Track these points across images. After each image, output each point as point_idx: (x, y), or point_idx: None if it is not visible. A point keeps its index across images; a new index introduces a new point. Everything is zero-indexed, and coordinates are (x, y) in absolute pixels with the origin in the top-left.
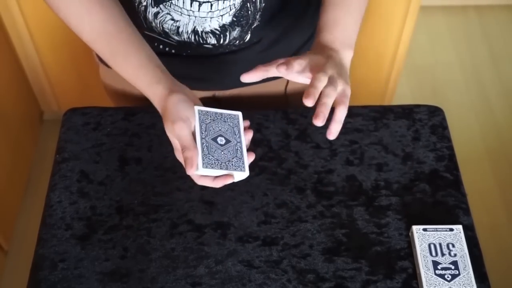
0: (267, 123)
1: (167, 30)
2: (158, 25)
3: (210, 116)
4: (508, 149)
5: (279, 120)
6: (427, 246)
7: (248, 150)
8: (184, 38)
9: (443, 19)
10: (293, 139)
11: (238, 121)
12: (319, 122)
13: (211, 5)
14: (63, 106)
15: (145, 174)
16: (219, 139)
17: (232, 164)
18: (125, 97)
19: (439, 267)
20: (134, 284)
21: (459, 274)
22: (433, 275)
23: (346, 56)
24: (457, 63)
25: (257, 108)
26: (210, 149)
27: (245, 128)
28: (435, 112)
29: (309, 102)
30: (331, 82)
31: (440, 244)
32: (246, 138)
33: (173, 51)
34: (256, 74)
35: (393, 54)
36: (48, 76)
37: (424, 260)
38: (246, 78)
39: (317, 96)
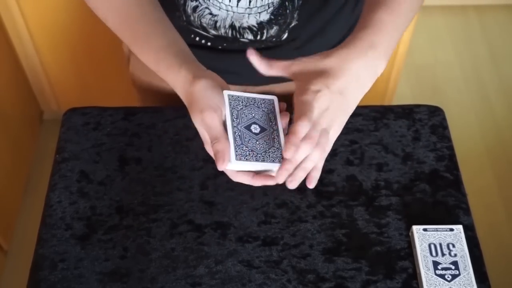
0: None
1: (204, 25)
2: (196, 19)
3: (242, 102)
4: (508, 148)
5: None
6: (427, 246)
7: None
8: (221, 33)
9: (442, 19)
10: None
11: (273, 106)
12: (279, 179)
13: (250, 1)
14: (63, 106)
15: (145, 174)
16: (253, 127)
17: (269, 156)
18: (153, 92)
19: (439, 267)
20: (134, 284)
21: (459, 274)
22: (433, 275)
23: (380, 66)
24: (457, 63)
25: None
26: (244, 139)
27: (281, 111)
28: (435, 112)
29: (281, 179)
30: (311, 140)
31: (440, 244)
32: (283, 123)
33: (209, 44)
34: (261, 62)
35: (393, 54)
36: (48, 76)
37: (424, 260)
38: (252, 57)
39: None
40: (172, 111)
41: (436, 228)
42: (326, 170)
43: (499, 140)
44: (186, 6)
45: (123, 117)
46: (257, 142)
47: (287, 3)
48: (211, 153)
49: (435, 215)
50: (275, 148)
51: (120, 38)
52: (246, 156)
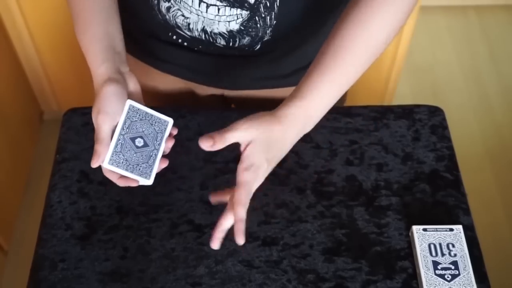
0: None
1: (179, 25)
2: (171, 19)
3: (139, 115)
4: (508, 149)
5: None
6: (427, 246)
7: (163, 157)
8: (195, 35)
9: (443, 19)
10: None
11: (165, 128)
12: (215, 246)
13: (218, 9)
14: (63, 106)
15: None
16: (137, 140)
17: (139, 169)
18: (147, 94)
19: (439, 267)
20: (134, 284)
21: (459, 274)
22: (433, 275)
23: (309, 129)
24: (457, 63)
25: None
26: (124, 148)
27: (170, 136)
28: (435, 112)
29: (217, 246)
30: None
31: (440, 244)
32: (166, 145)
33: (185, 43)
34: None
35: (393, 54)
36: (48, 76)
37: (424, 260)
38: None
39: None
40: (172, 111)
41: (436, 228)
42: (326, 170)
43: (499, 140)
44: (160, 6)
45: None
46: (135, 155)
47: (257, 18)
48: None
49: (435, 215)
50: (148, 165)
51: (70, 11)
52: (118, 163)
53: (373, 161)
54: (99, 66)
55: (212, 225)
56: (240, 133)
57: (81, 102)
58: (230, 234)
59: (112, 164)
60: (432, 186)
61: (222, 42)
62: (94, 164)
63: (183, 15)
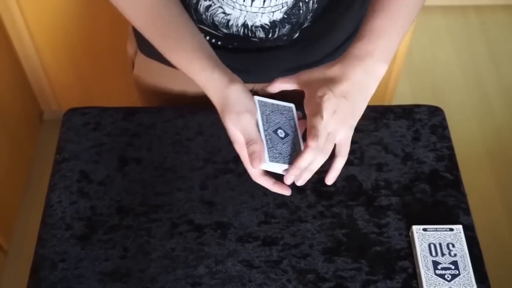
0: None
1: (216, 23)
2: (208, 18)
3: (269, 108)
4: (508, 149)
5: None
6: (427, 246)
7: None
8: (233, 31)
9: (442, 19)
10: None
11: (292, 114)
12: (287, 181)
13: (264, 1)
14: (63, 106)
15: (145, 174)
16: (279, 131)
17: (293, 158)
18: (156, 95)
19: (439, 267)
20: (134, 284)
21: (459, 274)
22: (433, 275)
23: (379, 70)
24: (457, 63)
25: None
26: (273, 143)
27: (298, 119)
28: (435, 112)
29: (289, 182)
30: (321, 148)
31: (440, 244)
32: (301, 129)
33: (219, 43)
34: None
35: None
36: (48, 76)
37: (424, 260)
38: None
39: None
40: (172, 111)
41: (436, 228)
42: (326, 170)
43: (499, 140)
44: (199, 6)
45: (123, 117)
46: (283, 146)
47: (300, 4)
48: (241, 153)
49: (435, 215)
50: (298, 152)
51: (147, 38)
52: (276, 158)
53: (373, 161)
54: (212, 72)
55: (212, 225)
56: (294, 75)
57: (81, 102)
58: (230, 234)
59: (272, 160)
60: (432, 186)
61: (261, 34)
62: (257, 166)
63: (224, 12)
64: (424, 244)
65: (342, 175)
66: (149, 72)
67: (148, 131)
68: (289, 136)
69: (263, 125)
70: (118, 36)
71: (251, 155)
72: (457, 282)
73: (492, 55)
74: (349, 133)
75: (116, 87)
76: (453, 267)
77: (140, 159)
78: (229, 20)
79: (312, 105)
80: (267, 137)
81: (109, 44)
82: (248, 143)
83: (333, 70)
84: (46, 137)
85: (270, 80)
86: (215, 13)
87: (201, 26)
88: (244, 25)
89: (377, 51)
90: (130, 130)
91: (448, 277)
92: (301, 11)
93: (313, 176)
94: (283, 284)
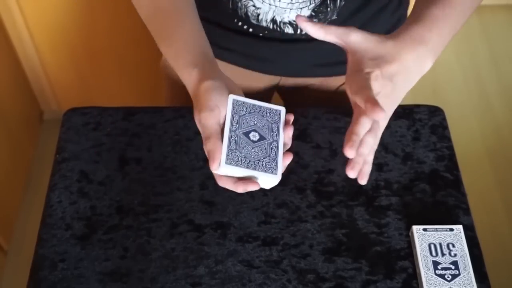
0: None
1: (248, 14)
2: (242, 8)
3: (247, 108)
4: (508, 149)
5: None
6: (427, 246)
7: (287, 151)
8: (263, 25)
9: None
10: (293, 139)
11: (279, 117)
12: (352, 173)
13: None
14: (63, 106)
15: (145, 174)
16: (251, 134)
17: (262, 165)
18: (183, 90)
19: (439, 267)
20: (134, 284)
21: (459, 274)
22: (433, 275)
23: (427, 63)
24: (457, 63)
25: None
26: (239, 145)
27: (287, 123)
28: (435, 112)
29: (351, 153)
30: (372, 127)
31: (440, 244)
32: (286, 135)
33: (250, 30)
34: (315, 27)
35: None
36: (48, 76)
37: (424, 260)
38: (304, 24)
39: (357, 145)
40: (172, 111)
41: (436, 228)
42: (326, 170)
43: (499, 140)
44: None
45: (123, 117)
46: (253, 150)
47: (328, 1)
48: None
49: (435, 215)
50: (271, 159)
51: (150, 31)
52: (237, 161)
53: (373, 161)
54: (192, 70)
55: (212, 225)
56: (346, 30)
57: (81, 102)
58: (230, 234)
59: (230, 163)
60: (432, 186)
61: (290, 31)
62: (213, 166)
63: (254, 6)
64: (424, 244)
65: (342, 175)
66: None
67: (148, 131)
68: (264, 141)
69: (231, 125)
70: (118, 36)
71: (208, 154)
72: (457, 282)
73: (492, 55)
74: (386, 120)
75: (116, 87)
76: (453, 267)
77: (140, 159)
78: (259, 14)
79: (358, 81)
80: (232, 138)
81: (109, 44)
82: (204, 141)
83: (386, 46)
84: (46, 137)
85: (299, 75)
86: (247, 5)
87: (236, 14)
88: (273, 20)
89: (432, 41)
90: (130, 130)
91: (448, 277)
92: (328, 9)
93: (313, 176)
94: (283, 284)
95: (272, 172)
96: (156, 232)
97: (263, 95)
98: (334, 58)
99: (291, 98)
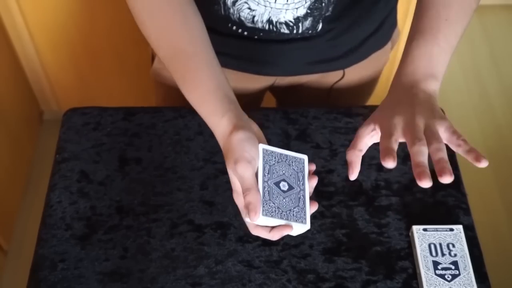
0: (267, 123)
1: (242, 18)
2: (235, 12)
3: (275, 158)
4: (508, 149)
5: (279, 120)
6: (427, 246)
7: (311, 199)
8: (258, 27)
9: None
10: (293, 139)
11: (303, 166)
12: (426, 183)
13: None
14: (63, 106)
15: (145, 174)
16: (281, 184)
17: (293, 215)
18: (174, 90)
19: (439, 267)
20: (134, 284)
21: (459, 274)
22: (433, 275)
23: (430, 86)
24: (457, 62)
25: (308, 104)
26: (272, 195)
27: (310, 173)
28: None
29: (389, 163)
30: (426, 138)
31: (440, 244)
32: (310, 185)
33: (245, 33)
34: (355, 168)
35: (393, 54)
36: (48, 76)
37: (424, 260)
38: (353, 176)
39: (393, 151)
40: (172, 111)
41: (436, 228)
42: (326, 170)
43: (499, 140)
44: (226, 0)
45: (123, 117)
46: (284, 200)
47: None
48: (238, 203)
49: (435, 215)
50: (300, 208)
51: (169, 70)
52: (272, 212)
53: (373, 161)
54: (221, 118)
55: (212, 225)
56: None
57: (81, 102)
58: (230, 234)
59: (267, 215)
60: (432, 186)
61: (286, 31)
62: (254, 219)
63: (249, 8)
64: (424, 244)
65: (342, 175)
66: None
67: (148, 131)
68: (293, 190)
69: (264, 175)
70: (118, 36)
71: (247, 206)
72: (457, 282)
73: (493, 55)
74: (447, 123)
75: (116, 87)
76: (453, 267)
77: (140, 159)
78: (254, 16)
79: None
80: (265, 188)
81: (109, 44)
82: (244, 192)
83: (387, 100)
84: (46, 137)
85: (294, 73)
86: (241, 8)
87: (229, 17)
88: (269, 21)
89: (419, 70)
90: (130, 130)
91: (448, 277)
92: (323, 4)
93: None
94: (283, 284)
95: (302, 222)
96: (156, 232)
97: (257, 96)
98: (329, 55)
99: (285, 97)
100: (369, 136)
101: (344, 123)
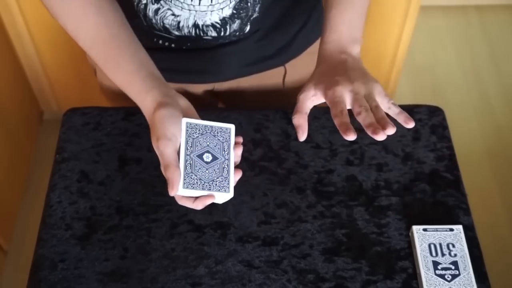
0: (267, 123)
1: (167, 26)
2: (158, 21)
3: (199, 130)
4: (508, 149)
5: (279, 120)
6: (427, 246)
7: (236, 167)
8: (184, 33)
9: (443, 19)
10: (293, 139)
11: (229, 136)
12: (380, 136)
13: None
14: (63, 106)
15: (145, 174)
16: (205, 155)
17: (215, 184)
18: (122, 98)
19: (439, 267)
20: (134, 284)
21: (459, 274)
22: (433, 275)
23: (354, 50)
24: (457, 63)
25: (257, 105)
26: (194, 167)
27: (236, 143)
28: (435, 112)
29: (351, 137)
30: (358, 100)
31: (440, 244)
32: (235, 154)
33: (173, 45)
34: (305, 130)
35: (393, 54)
36: (48, 76)
37: (424, 260)
38: (303, 137)
39: (349, 124)
40: None
41: (436, 228)
42: (326, 170)
43: (499, 140)
44: (147, 10)
45: (123, 117)
46: (207, 171)
47: None
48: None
49: (435, 215)
50: (223, 178)
51: (92, 58)
52: (193, 184)
53: (373, 161)
54: (145, 97)
55: (212, 225)
56: (309, 91)
57: (81, 102)
58: (230, 234)
59: (188, 187)
60: (432, 186)
61: (213, 33)
62: (171, 193)
63: (173, 14)
64: (424, 244)
65: (342, 175)
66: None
67: (148, 131)
68: (217, 160)
69: (186, 149)
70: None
71: (167, 181)
72: (457, 282)
73: (493, 55)
74: (378, 85)
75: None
76: (453, 267)
77: (140, 159)
78: (179, 22)
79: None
80: (187, 162)
81: None
82: (164, 168)
83: (322, 68)
84: (46, 137)
85: (230, 78)
86: (164, 16)
87: (153, 30)
88: (195, 25)
89: (343, 37)
90: (130, 130)
91: (448, 277)
92: (249, 4)
93: (312, 176)
94: (283, 284)
95: (225, 191)
96: (156, 232)
97: (204, 99)
98: (260, 54)
99: (230, 101)
100: (310, 101)
101: None
